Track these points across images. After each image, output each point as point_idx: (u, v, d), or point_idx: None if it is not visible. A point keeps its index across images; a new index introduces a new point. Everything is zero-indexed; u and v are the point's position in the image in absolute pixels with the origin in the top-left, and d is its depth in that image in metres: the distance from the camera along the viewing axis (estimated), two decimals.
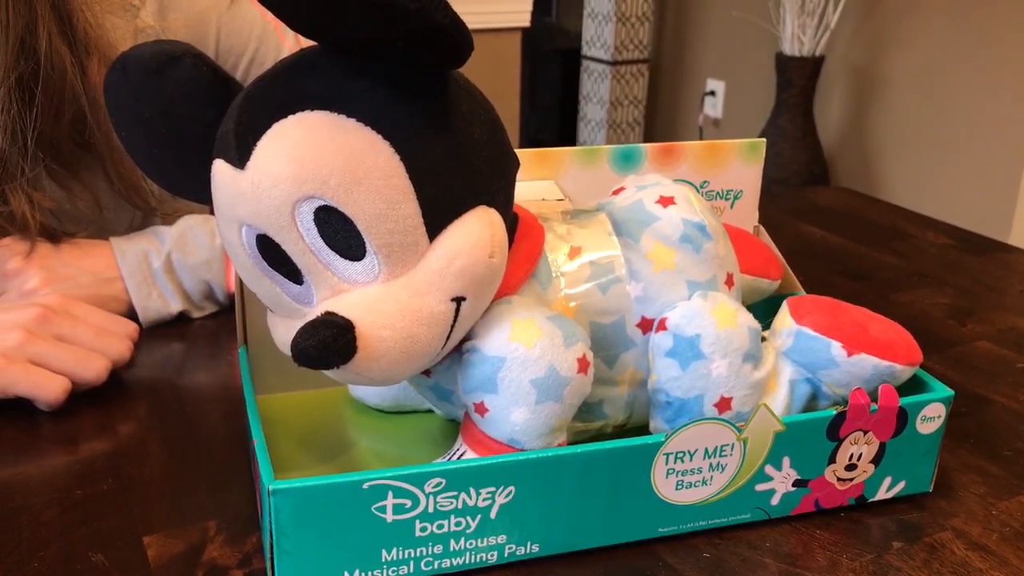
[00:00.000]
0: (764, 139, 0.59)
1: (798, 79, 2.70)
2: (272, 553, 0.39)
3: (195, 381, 0.59)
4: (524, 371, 0.40)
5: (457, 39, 0.36)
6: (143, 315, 0.65)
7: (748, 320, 0.45)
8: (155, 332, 0.65)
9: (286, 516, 0.39)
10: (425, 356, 0.39)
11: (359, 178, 0.36)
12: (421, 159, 0.37)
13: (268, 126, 0.37)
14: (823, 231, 0.86)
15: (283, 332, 0.41)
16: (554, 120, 3.62)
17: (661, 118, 3.51)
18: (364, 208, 0.37)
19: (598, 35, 3.29)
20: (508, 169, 0.42)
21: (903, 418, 0.46)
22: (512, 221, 0.43)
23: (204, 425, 0.54)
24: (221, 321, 0.67)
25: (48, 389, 0.53)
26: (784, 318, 0.48)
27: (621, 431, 0.47)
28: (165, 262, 0.66)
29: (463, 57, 0.37)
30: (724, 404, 0.44)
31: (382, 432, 0.52)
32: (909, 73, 2.61)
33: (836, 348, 0.46)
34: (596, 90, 3.37)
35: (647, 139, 3.48)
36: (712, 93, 3.27)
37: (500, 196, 0.41)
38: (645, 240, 0.45)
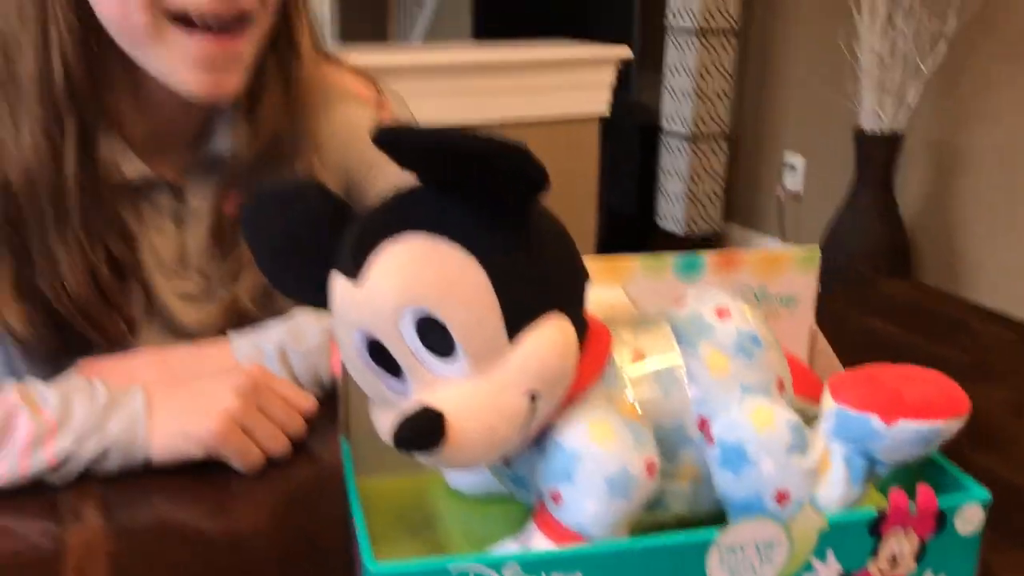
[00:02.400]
0: (818, 248, 0.64)
1: (877, 155, 2.72)
2: None
3: (303, 465, 0.66)
4: (599, 468, 0.45)
5: (537, 179, 0.43)
6: None
7: (786, 415, 0.50)
8: None
9: None
10: (504, 445, 0.45)
11: (453, 291, 0.43)
12: (504, 275, 0.44)
13: (380, 247, 0.44)
14: (887, 325, 0.90)
15: (383, 420, 0.47)
16: (633, 193, 3.68)
17: (740, 191, 3.54)
18: (456, 316, 0.43)
19: (677, 111, 3.37)
20: (579, 281, 0.48)
21: (942, 518, 0.50)
22: (582, 327, 0.49)
23: (313, 509, 0.61)
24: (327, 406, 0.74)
25: (251, 459, 0.63)
26: (826, 399, 0.52)
27: (684, 523, 0.52)
28: (278, 349, 0.73)
29: (541, 190, 0.44)
30: (782, 497, 0.48)
31: (470, 513, 0.58)
32: (992, 149, 2.61)
33: (875, 421, 0.50)
34: (675, 164, 3.43)
35: (726, 212, 3.51)
36: (792, 167, 3.30)
37: (571, 305, 0.47)
38: (703, 348, 0.50)
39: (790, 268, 0.64)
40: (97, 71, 0.70)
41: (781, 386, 0.51)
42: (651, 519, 0.52)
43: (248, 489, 0.62)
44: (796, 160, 3.28)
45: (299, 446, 0.67)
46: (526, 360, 0.44)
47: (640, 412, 0.49)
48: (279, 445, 0.65)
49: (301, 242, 0.49)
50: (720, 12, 3.20)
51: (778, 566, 0.49)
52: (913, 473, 0.56)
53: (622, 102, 3.59)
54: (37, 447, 0.60)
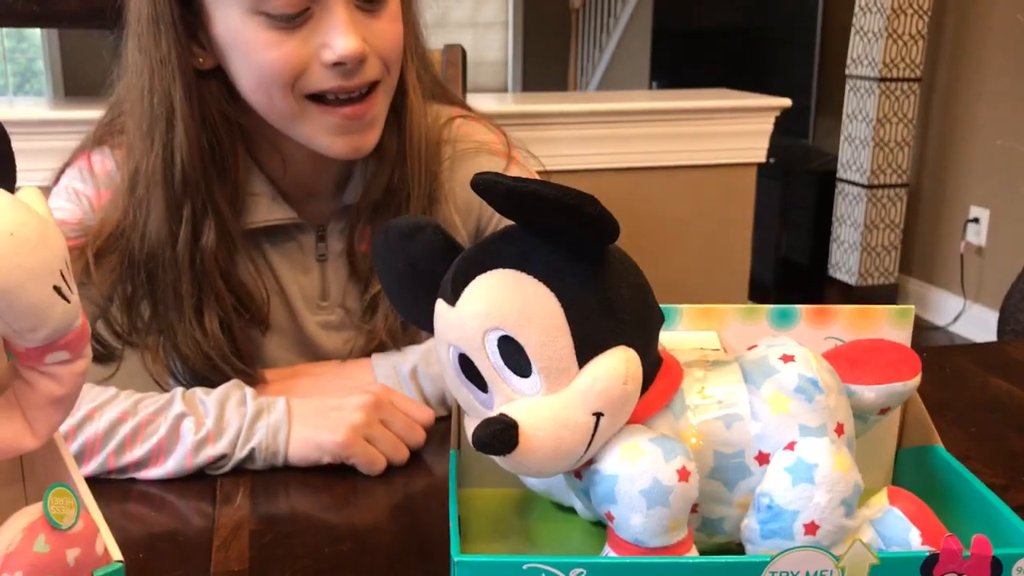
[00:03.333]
0: (912, 307, 0.66)
1: None
2: None
3: (420, 472, 0.74)
4: (634, 484, 0.51)
5: (606, 227, 0.49)
6: None
7: (857, 476, 0.54)
8: None
9: None
10: (571, 456, 0.51)
11: (531, 318, 0.50)
12: (577, 308, 0.50)
13: (473, 277, 0.52)
14: (1010, 384, 0.90)
15: (471, 428, 0.55)
16: (806, 241, 3.63)
17: (919, 243, 3.43)
18: (533, 339, 0.50)
19: (855, 158, 3.31)
20: (649, 321, 0.54)
21: (997, 567, 0.52)
22: (655, 362, 0.55)
23: (424, 509, 0.69)
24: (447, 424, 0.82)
25: (376, 466, 0.72)
26: (881, 497, 0.56)
27: (742, 550, 0.56)
28: (411, 371, 0.82)
29: (611, 238, 0.50)
30: (811, 528, 0.52)
31: (559, 527, 0.64)
32: None
33: (915, 536, 0.53)
34: (851, 213, 3.36)
35: (903, 264, 3.40)
36: (976, 220, 3.17)
37: (639, 340, 0.52)
38: (766, 388, 0.55)
39: (883, 324, 0.67)
40: (232, 156, 0.80)
41: (840, 431, 0.55)
42: (711, 543, 0.56)
43: (370, 490, 0.71)
44: (981, 213, 3.15)
45: (417, 455, 0.75)
46: (592, 383, 0.50)
47: (701, 441, 0.54)
48: (399, 453, 0.73)
49: (419, 272, 0.57)
50: (903, 59, 3.14)
51: None
52: (977, 522, 0.58)
53: (798, 148, 3.57)
54: (199, 450, 0.71)
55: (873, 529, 0.55)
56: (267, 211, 0.85)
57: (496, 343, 0.51)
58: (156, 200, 0.79)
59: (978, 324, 3.15)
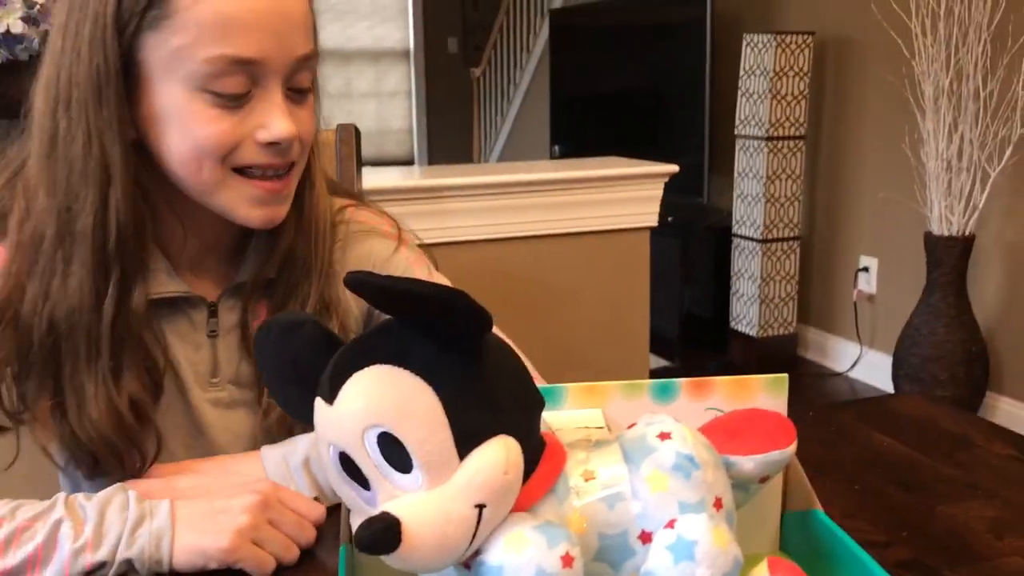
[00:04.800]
0: (787, 375, 0.69)
1: (948, 259, 2.71)
2: None
3: (313, 569, 0.73)
4: (519, 573, 0.51)
5: (477, 319, 0.50)
6: None
7: (736, 550, 0.55)
8: None
9: None
10: (456, 550, 0.51)
11: (409, 413, 0.50)
12: (456, 402, 0.51)
13: (350, 374, 0.52)
14: (891, 439, 0.93)
15: (357, 526, 0.54)
16: (707, 295, 3.72)
17: (814, 292, 3.54)
18: (412, 435, 0.50)
19: (748, 214, 3.42)
20: (529, 407, 0.55)
21: None
22: (537, 446, 0.56)
23: None
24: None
25: (265, 568, 0.71)
26: (762, 569, 0.57)
27: None
28: (303, 461, 0.81)
29: (484, 330, 0.52)
30: None
31: None
32: None
33: None
34: (748, 266, 3.46)
35: (800, 312, 3.51)
36: (865, 269, 3.30)
37: (519, 428, 0.53)
38: (645, 467, 0.56)
39: (760, 393, 0.69)
40: (144, 224, 0.82)
41: (719, 504, 0.56)
42: None
43: None
44: (870, 262, 3.28)
45: (310, 552, 0.73)
46: (473, 476, 0.51)
47: (585, 523, 0.55)
48: (289, 553, 0.72)
49: (301, 368, 0.57)
50: (788, 119, 3.27)
51: None
52: None
53: (696, 207, 3.67)
54: (77, 558, 0.69)
55: None
56: (164, 283, 0.85)
57: (376, 440, 0.51)
58: (80, 263, 0.79)
59: (875, 369, 3.25)
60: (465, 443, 0.51)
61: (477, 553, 0.53)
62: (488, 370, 0.53)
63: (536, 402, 0.56)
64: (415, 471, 0.51)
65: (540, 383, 0.81)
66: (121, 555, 0.69)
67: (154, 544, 0.70)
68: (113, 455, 0.80)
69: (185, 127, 0.79)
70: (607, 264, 1.96)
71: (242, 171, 0.81)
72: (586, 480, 0.56)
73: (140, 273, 0.82)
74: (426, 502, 0.51)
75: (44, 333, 0.80)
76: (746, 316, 3.51)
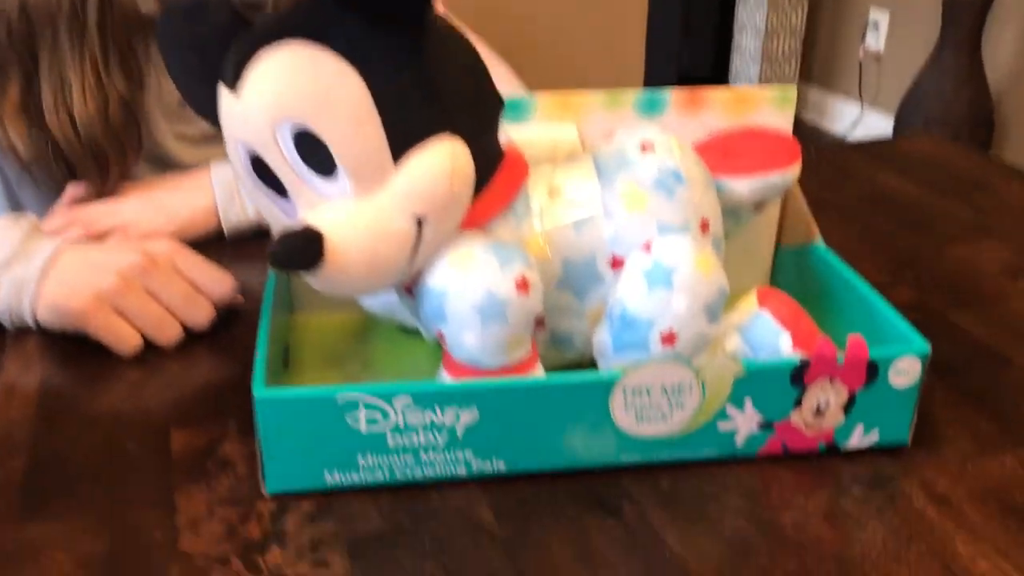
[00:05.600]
0: (795, 87, 0.59)
1: (965, 13, 2.54)
2: (261, 454, 0.45)
3: (249, 298, 0.65)
4: (464, 299, 0.43)
5: None
6: (225, 223, 0.72)
7: (722, 279, 0.47)
8: (239, 252, 0.70)
9: (269, 423, 0.44)
10: (391, 270, 0.43)
11: (330, 104, 0.41)
12: (389, 91, 0.41)
13: (257, 56, 0.42)
14: (900, 180, 0.84)
15: None
16: (707, 51, 3.54)
17: (820, 50, 3.37)
18: (334, 131, 0.41)
19: None
20: (483, 105, 0.45)
21: (873, 370, 0.47)
22: (493, 156, 0.47)
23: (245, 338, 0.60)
24: None
25: (124, 345, 0.58)
26: (750, 300, 0.50)
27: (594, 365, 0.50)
28: None
29: (424, 5, 0.41)
30: (669, 339, 0.46)
31: (402, 350, 0.57)
32: None
33: (785, 341, 0.47)
34: (752, 19, 3.26)
35: (803, 73, 3.35)
36: (875, 25, 3.11)
37: (469, 130, 0.44)
38: (620, 183, 0.47)
39: (763, 109, 0.60)
40: None
41: (705, 227, 0.48)
42: (563, 360, 0.50)
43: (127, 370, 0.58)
44: (880, 17, 3.09)
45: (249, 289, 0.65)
46: (411, 183, 0.42)
47: (548, 248, 0.47)
48: (163, 333, 0.59)
49: (208, 58, 0.47)
50: None
51: (689, 412, 0.47)
52: (858, 322, 0.53)
53: None
54: None
55: (740, 336, 0.49)
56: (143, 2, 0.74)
57: (291, 137, 0.42)
58: None
59: (875, 130, 3.14)
60: (400, 142, 0.42)
61: (419, 274, 0.45)
62: (432, 57, 0.43)
63: (492, 102, 0.46)
64: (340, 175, 0.42)
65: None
66: None
67: (15, 293, 0.59)
68: (93, 156, 0.71)
69: None
70: (600, 3, 1.79)
71: None
72: (551, 197, 0.48)
73: None
74: (354, 212, 0.42)
75: (16, 19, 0.68)
76: (746, 74, 3.35)
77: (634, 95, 0.59)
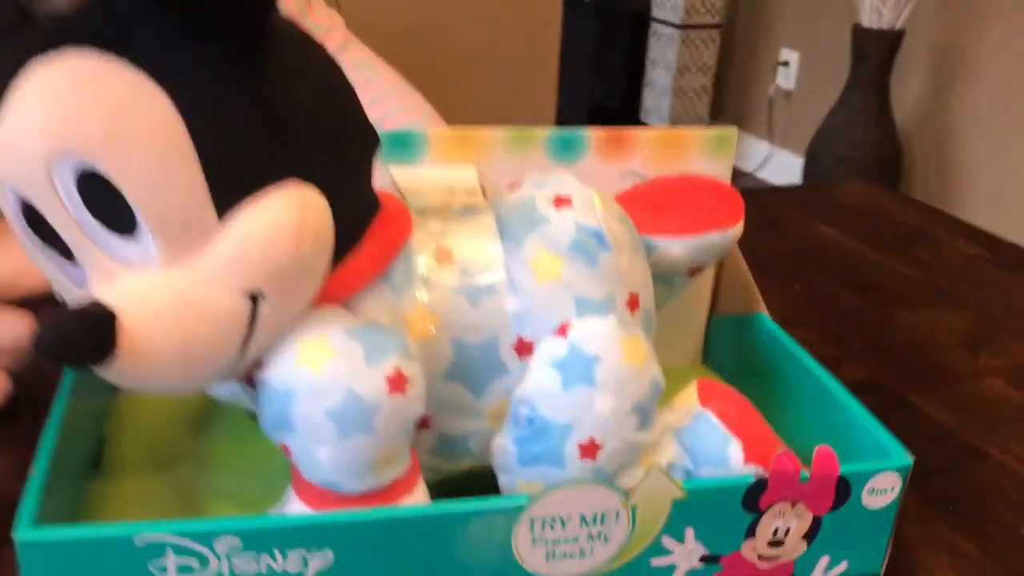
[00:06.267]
0: (735, 129, 0.50)
1: (875, 54, 2.54)
2: None
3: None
4: (316, 402, 0.32)
5: None
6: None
7: (656, 372, 0.37)
8: None
9: (39, 573, 0.32)
10: (211, 362, 0.31)
11: (126, 136, 0.29)
12: (208, 116, 0.30)
13: (26, 66, 0.30)
14: (838, 232, 0.76)
15: None
16: (620, 85, 3.49)
17: (730, 87, 3.36)
18: (132, 174, 0.29)
19: None
20: (348, 143, 0.34)
21: (844, 489, 0.37)
22: (364, 207, 0.36)
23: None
24: None
25: None
26: (689, 395, 0.40)
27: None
28: None
29: (256, 6, 0.30)
30: (590, 449, 0.35)
31: (254, 451, 0.45)
32: (997, 53, 2.43)
33: (735, 451, 0.37)
34: (663, 55, 3.23)
35: (714, 108, 3.34)
36: (785, 63, 3.11)
37: (327, 173, 0.32)
38: (530, 246, 0.36)
39: (697, 155, 0.50)
40: None
41: (634, 303, 0.38)
42: (453, 468, 0.39)
43: None
44: (791, 56, 3.09)
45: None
46: (241, 245, 0.30)
47: (434, 326, 0.36)
48: None
49: None
50: None
51: (615, 546, 0.36)
52: (811, 416, 0.44)
53: None
54: None
55: (678, 443, 0.39)
56: None
57: (73, 180, 0.30)
58: None
59: (784, 169, 3.14)
60: (227, 190, 0.30)
61: (259, 364, 0.34)
62: (275, 74, 0.31)
63: (361, 137, 0.35)
64: (142, 233, 0.30)
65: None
66: None
67: None
68: None
69: None
70: (511, 30, 1.70)
71: None
72: (439, 262, 0.37)
73: None
74: (162, 286, 0.30)
75: None
76: (657, 109, 3.32)
77: (546, 134, 0.48)
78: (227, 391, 0.44)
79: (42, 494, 0.33)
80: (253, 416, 0.47)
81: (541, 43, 1.73)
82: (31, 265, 0.56)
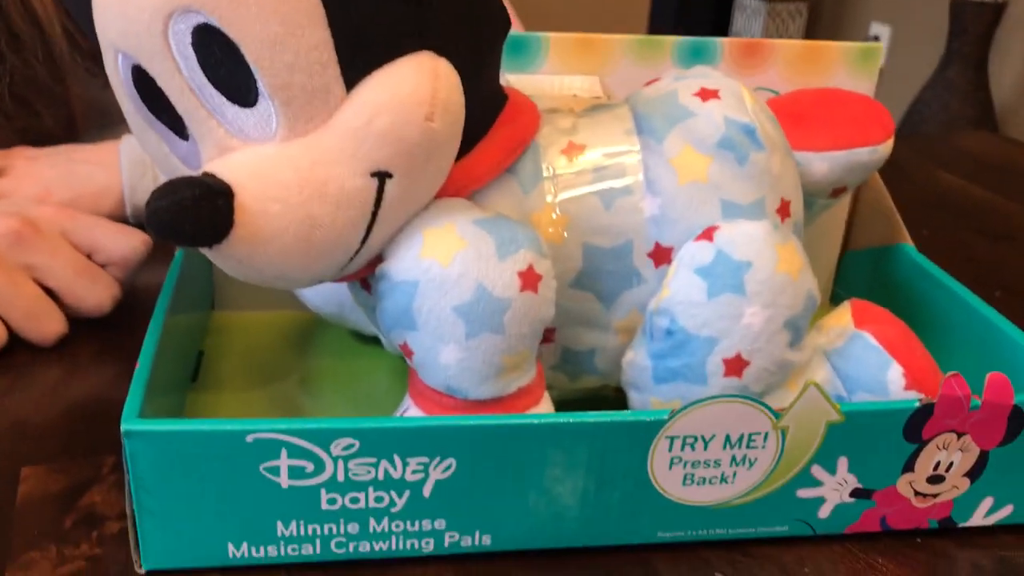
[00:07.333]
0: (880, 44, 0.46)
1: (973, 26, 2.43)
2: (133, 512, 0.30)
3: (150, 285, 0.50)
4: (443, 296, 0.29)
5: None
6: (130, 196, 0.57)
7: (812, 285, 0.33)
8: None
9: (145, 469, 0.30)
10: (333, 250, 0.29)
11: None
12: None
13: None
14: (964, 181, 0.71)
15: None
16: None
17: None
18: (254, 30, 0.26)
19: None
20: (483, 22, 0.31)
21: (1017, 421, 0.33)
22: (492, 97, 0.33)
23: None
24: None
25: None
26: (842, 315, 0.36)
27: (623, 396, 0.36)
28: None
29: None
30: (736, 365, 0.32)
31: (357, 370, 0.43)
32: None
33: (894, 373, 0.33)
34: (748, 29, 3.15)
35: None
36: (876, 38, 3.01)
37: (458, 47, 0.29)
38: (672, 141, 0.33)
39: (840, 69, 0.46)
40: None
41: (785, 210, 0.34)
42: (575, 387, 0.36)
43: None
44: (882, 30, 2.98)
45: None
46: (369, 117, 0.27)
47: (563, 229, 0.33)
48: (40, 327, 0.44)
49: None
50: None
51: (759, 473, 0.33)
52: (984, 366, 0.40)
53: None
54: None
55: (830, 366, 0.35)
56: None
57: (190, 39, 0.27)
58: None
59: None
60: (356, 56, 0.27)
61: (379, 259, 0.31)
62: None
63: (494, 17, 0.32)
64: (263, 102, 0.27)
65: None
66: None
67: None
68: None
69: None
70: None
71: None
72: (570, 158, 0.34)
73: None
74: (282, 161, 0.28)
75: None
76: None
77: (674, 41, 0.45)
78: (330, 302, 0.42)
79: (145, 396, 0.31)
80: (358, 334, 0.44)
81: (630, 13, 1.68)
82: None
